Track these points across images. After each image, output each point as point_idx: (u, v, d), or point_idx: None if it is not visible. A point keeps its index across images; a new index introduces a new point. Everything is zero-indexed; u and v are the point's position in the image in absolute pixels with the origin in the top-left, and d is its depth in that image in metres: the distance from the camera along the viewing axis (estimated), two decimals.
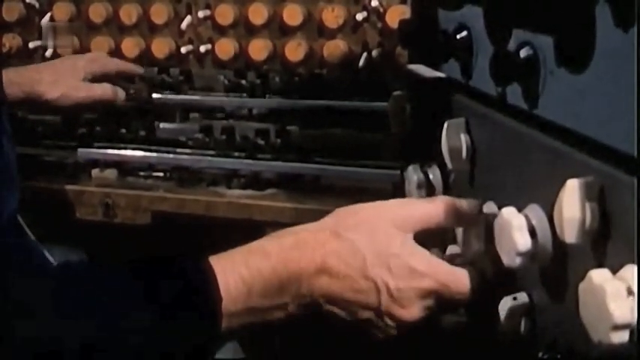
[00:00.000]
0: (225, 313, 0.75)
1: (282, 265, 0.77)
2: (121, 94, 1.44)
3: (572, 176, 0.62)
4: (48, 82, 1.35)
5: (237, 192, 1.41)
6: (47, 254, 0.98)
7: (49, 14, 1.61)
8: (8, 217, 0.76)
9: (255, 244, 0.79)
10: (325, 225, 0.81)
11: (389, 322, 0.79)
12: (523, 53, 0.71)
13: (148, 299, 0.73)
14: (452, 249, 0.86)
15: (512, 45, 0.73)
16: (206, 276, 0.75)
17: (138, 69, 1.50)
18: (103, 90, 1.41)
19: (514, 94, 0.74)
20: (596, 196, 0.61)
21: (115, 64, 1.48)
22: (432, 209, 0.82)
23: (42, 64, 1.45)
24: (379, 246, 0.78)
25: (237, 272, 0.76)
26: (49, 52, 1.61)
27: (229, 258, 0.77)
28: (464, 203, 0.82)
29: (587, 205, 0.61)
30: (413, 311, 0.79)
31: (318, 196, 1.36)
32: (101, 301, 0.72)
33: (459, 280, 0.79)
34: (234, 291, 0.75)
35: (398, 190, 1.00)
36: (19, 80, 1.33)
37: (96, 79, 1.42)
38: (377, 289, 0.78)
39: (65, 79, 1.37)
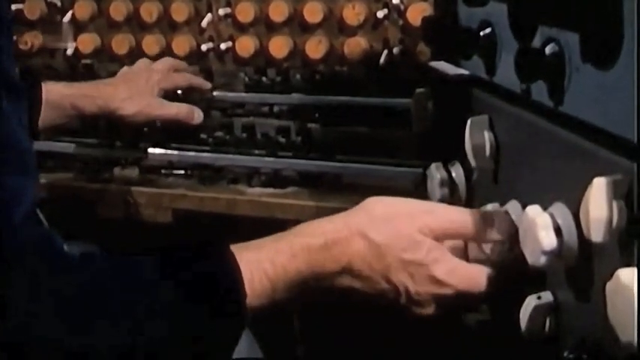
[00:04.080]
0: (249, 308, 0.77)
1: (309, 268, 0.79)
2: (198, 115, 1.42)
3: (599, 174, 0.61)
4: (122, 98, 1.36)
5: (258, 190, 1.40)
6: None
7: (70, 12, 1.61)
8: (27, 210, 0.77)
9: (283, 243, 0.80)
10: (354, 223, 0.82)
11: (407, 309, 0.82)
12: (548, 50, 0.70)
13: (173, 296, 0.74)
14: (473, 247, 0.85)
15: (537, 41, 0.73)
16: (231, 272, 0.76)
17: (206, 84, 1.49)
18: (179, 109, 1.40)
19: (539, 91, 0.73)
20: (624, 194, 0.60)
21: (187, 80, 1.46)
22: (462, 222, 0.82)
23: (118, 76, 1.43)
24: (404, 252, 0.80)
25: (262, 269, 0.78)
26: (70, 51, 1.61)
27: (255, 253, 0.79)
28: (493, 216, 0.81)
29: (615, 204, 0.60)
30: (429, 310, 0.81)
31: (340, 194, 1.35)
32: (127, 296, 0.73)
33: (478, 283, 0.80)
34: (258, 288, 0.77)
35: (420, 188, 1.00)
36: (94, 94, 1.35)
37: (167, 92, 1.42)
38: (397, 292, 0.81)
39: (140, 95, 1.37)
